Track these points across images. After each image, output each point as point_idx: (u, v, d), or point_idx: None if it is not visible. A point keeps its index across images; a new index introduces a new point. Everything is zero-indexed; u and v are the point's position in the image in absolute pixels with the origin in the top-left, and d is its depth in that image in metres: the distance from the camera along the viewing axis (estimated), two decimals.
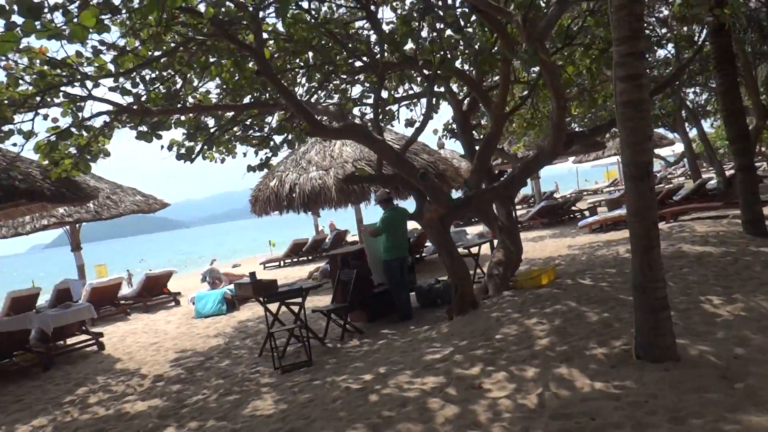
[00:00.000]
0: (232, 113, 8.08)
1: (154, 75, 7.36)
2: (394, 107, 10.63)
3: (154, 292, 13.45)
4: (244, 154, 9.36)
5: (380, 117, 10.24)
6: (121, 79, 6.77)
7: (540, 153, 7.38)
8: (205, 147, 8.03)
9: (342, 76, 8.27)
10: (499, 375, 4.94)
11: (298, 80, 8.59)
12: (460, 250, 9.90)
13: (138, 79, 7.14)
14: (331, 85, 9.15)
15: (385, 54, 6.40)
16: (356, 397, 4.89)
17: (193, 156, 7.73)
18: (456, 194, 13.82)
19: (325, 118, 8.30)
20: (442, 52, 6.78)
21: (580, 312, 6.43)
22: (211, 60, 7.23)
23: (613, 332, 5.55)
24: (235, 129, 8.56)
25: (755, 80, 17.09)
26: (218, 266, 14.72)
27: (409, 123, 10.73)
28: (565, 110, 6.78)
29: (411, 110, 10.65)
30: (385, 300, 8.77)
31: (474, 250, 9.91)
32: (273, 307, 7.36)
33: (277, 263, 21.20)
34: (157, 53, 6.70)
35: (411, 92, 10.14)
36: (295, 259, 20.94)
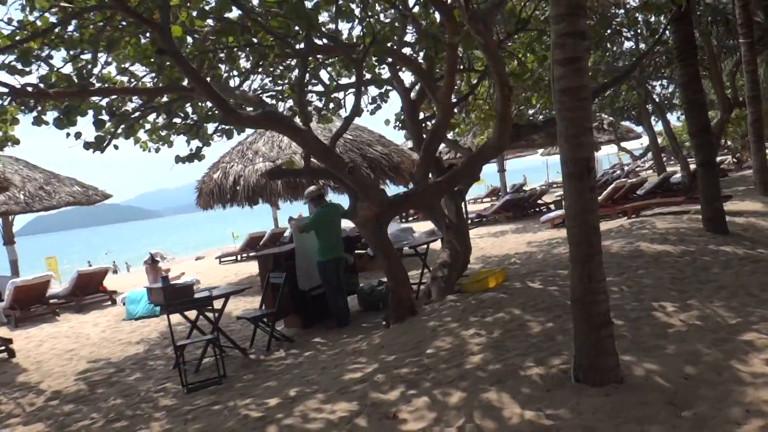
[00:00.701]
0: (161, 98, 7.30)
1: (56, 52, 6.55)
2: (341, 95, 9.94)
3: (89, 291, 12.57)
4: (188, 143, 8.58)
5: (327, 105, 9.54)
6: (10, 57, 5.96)
7: (485, 146, 6.77)
8: (120, 135, 7.25)
9: (275, 59, 7.52)
10: (420, 401, 4.30)
11: (228, 66, 7.81)
12: (406, 249, 9.29)
13: (36, 58, 6.32)
14: (268, 69, 8.41)
15: (304, 33, 5.67)
16: (252, 429, 4.20)
17: (104, 145, 6.94)
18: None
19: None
20: (374, 34, 6.08)
21: (523, 321, 5.83)
22: (121, 36, 6.43)
23: (554, 347, 4.96)
24: (157, 116, 7.77)
25: (719, 73, 16.76)
26: (171, 261, 13.87)
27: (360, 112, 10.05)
28: (509, 99, 6.15)
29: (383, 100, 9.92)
30: (323, 304, 8.08)
31: (423, 249, 9.28)
32: (193, 314, 6.65)
33: (234, 257, 20.36)
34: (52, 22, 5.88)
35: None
36: (252, 254, 20.12)
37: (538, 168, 42.56)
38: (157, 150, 8.67)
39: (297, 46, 6.38)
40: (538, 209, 20.51)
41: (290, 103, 9.97)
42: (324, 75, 9.04)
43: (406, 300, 6.85)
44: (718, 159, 25.40)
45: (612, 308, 6.12)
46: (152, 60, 6.35)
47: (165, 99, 7.43)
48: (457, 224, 8.31)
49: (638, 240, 9.51)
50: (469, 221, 19.50)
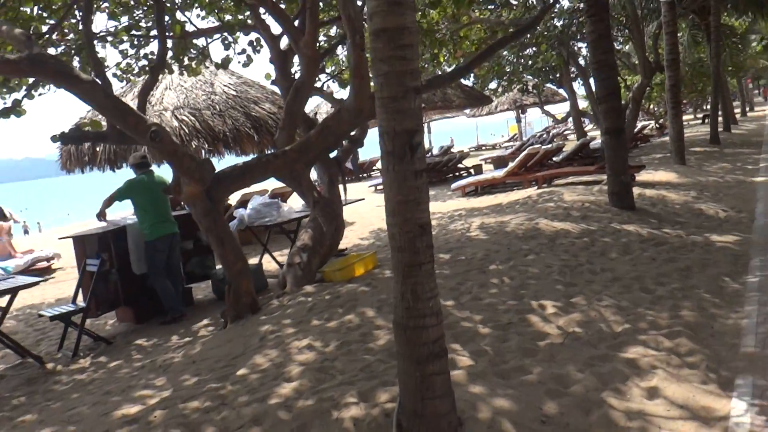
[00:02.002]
0: None
1: None
2: (201, 42, 8.47)
3: None
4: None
5: (181, 53, 8.07)
6: None
7: (342, 109, 5.52)
8: None
9: None
10: None
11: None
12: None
13: None
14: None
15: None
16: None
17: None
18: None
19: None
20: None
21: (371, 329, 4.71)
22: None
23: (390, 371, 3.83)
24: None
25: (642, 35, 15.97)
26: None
27: (224, 63, 8.59)
28: (363, 49, 4.89)
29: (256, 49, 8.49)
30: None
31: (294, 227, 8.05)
32: None
33: None
34: None
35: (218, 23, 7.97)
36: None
37: (467, 130, 41.77)
38: None
39: None
40: (457, 174, 19.53)
41: (152, 48, 8.44)
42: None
43: (245, 294, 5.61)
44: (641, 124, 25.11)
45: (484, 309, 5.12)
46: None
47: None
48: (329, 199, 7.09)
49: (539, 216, 8.58)
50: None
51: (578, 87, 21.16)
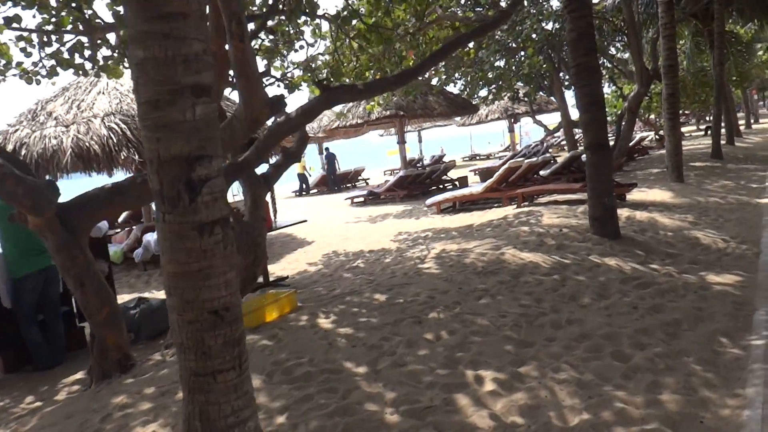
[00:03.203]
0: None
1: None
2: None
3: None
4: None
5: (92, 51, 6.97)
6: None
7: (233, 119, 4.34)
8: None
9: None
10: None
11: None
12: None
13: None
14: None
15: None
16: None
17: None
18: None
19: None
20: None
21: None
22: None
23: None
24: None
25: (639, 40, 14.81)
26: None
27: None
28: (243, 41, 3.71)
29: None
30: (48, 332, 5.59)
31: None
32: None
33: (119, 230, 17.40)
34: None
35: None
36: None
37: (462, 138, 40.56)
38: None
39: None
40: (441, 186, 18.34)
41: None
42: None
43: (113, 349, 4.43)
44: (639, 135, 23.90)
45: (403, 382, 3.71)
46: None
47: None
48: (247, 224, 5.91)
49: (508, 243, 7.39)
50: (362, 199, 17.21)
51: (571, 95, 20.02)
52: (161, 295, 6.54)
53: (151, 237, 6.56)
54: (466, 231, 9.30)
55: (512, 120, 28.72)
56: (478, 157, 35.87)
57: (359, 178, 25.26)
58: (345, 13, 6.26)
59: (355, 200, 17.45)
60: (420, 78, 14.30)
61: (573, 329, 4.57)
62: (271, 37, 8.11)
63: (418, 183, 17.53)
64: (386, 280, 6.32)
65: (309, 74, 8.32)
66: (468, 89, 18.42)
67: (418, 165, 31.65)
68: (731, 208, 9.41)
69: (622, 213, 8.94)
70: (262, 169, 6.80)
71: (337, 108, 18.94)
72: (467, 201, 12.56)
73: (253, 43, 8.10)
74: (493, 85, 17.91)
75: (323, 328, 4.82)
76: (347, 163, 28.17)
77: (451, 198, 12.34)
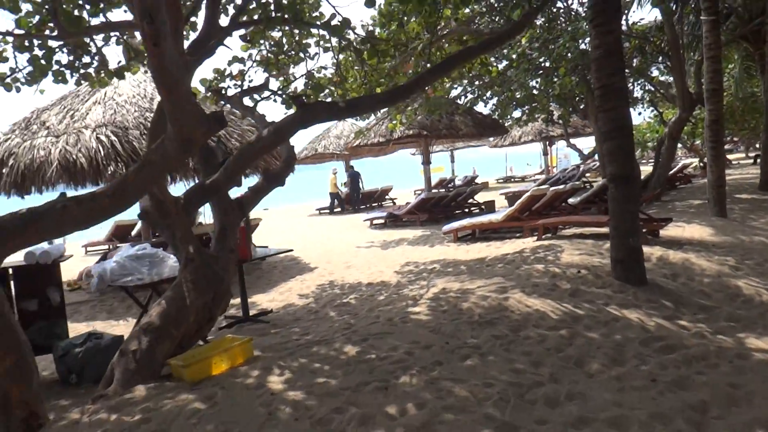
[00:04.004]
0: None
1: None
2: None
3: None
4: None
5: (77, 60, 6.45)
6: None
7: (165, 139, 3.61)
8: None
9: None
10: None
11: None
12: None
13: None
14: None
15: None
16: None
17: None
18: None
19: None
20: None
21: None
22: None
23: None
24: None
25: (682, 62, 13.75)
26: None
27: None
28: (157, 42, 3.01)
29: None
30: None
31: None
32: None
33: (107, 247, 17.12)
34: None
35: None
36: (119, 245, 16.88)
37: (497, 159, 39.51)
38: None
39: None
40: (467, 210, 17.46)
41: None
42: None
43: (18, 405, 3.74)
44: (683, 163, 22.55)
45: None
46: None
47: None
48: (211, 256, 5.21)
49: (517, 284, 6.51)
50: (382, 221, 16.47)
51: None
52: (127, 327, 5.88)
53: (106, 265, 5.90)
54: (476, 266, 8.44)
55: (547, 143, 27.61)
56: (513, 180, 34.77)
57: (386, 197, 24.52)
58: (336, 22, 5.56)
59: (375, 222, 16.70)
60: (445, 97, 13.55)
61: (572, 408, 3.69)
62: (268, 46, 7.48)
63: (441, 206, 16.68)
64: (367, 325, 5.51)
65: (310, 89, 7.65)
66: (499, 110, 17.55)
67: (449, 186, 30.84)
68: None
69: (654, 252, 7.98)
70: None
71: (359, 125, 18.33)
72: (487, 229, 11.68)
73: (250, 52, 7.50)
74: (526, 106, 17.02)
75: (272, 389, 4.04)
76: (377, 182, 27.51)
77: (469, 225, 11.47)
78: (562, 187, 11.67)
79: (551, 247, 8.79)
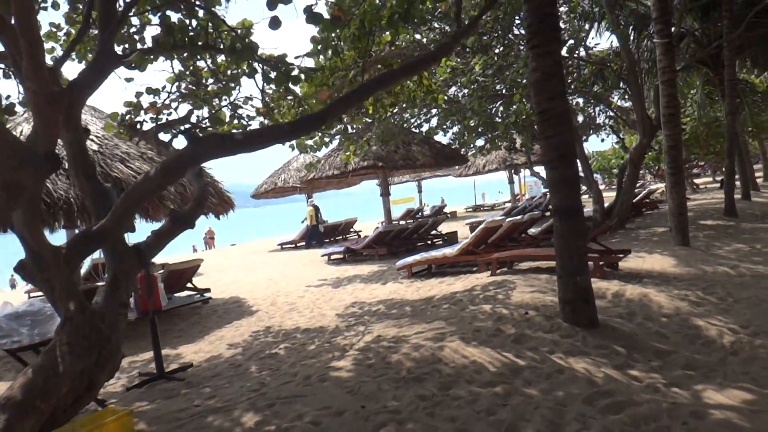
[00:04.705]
0: None
1: None
2: None
3: None
4: None
5: None
6: None
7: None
8: None
9: None
10: None
11: None
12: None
13: None
14: None
15: None
16: None
17: None
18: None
19: None
20: None
21: None
22: None
23: None
24: None
25: (640, 87, 13.49)
26: None
27: None
28: (34, 56, 2.39)
29: None
30: None
31: None
32: None
33: None
34: None
35: None
36: None
37: (466, 187, 39.24)
38: None
39: None
40: (430, 242, 16.87)
41: None
42: None
43: None
44: (648, 189, 22.28)
45: None
46: None
47: None
48: (96, 312, 4.51)
49: (458, 329, 5.90)
50: (341, 257, 15.80)
51: None
52: None
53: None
54: (421, 306, 7.81)
55: (512, 170, 27.32)
56: (482, 208, 34.42)
57: (351, 230, 23.85)
58: (239, 45, 4.99)
59: (333, 257, 16.03)
60: (397, 126, 13.06)
61: None
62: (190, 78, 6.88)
63: (402, 239, 16.08)
64: (280, 386, 4.82)
65: (210, 122, 6.95)
66: (459, 139, 17.15)
67: (418, 216, 30.32)
68: (743, 282, 7.83)
69: (610, 288, 7.44)
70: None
71: (318, 156, 17.74)
72: (443, 264, 11.09)
73: (176, 85, 6.89)
74: (488, 135, 16.63)
75: None
76: (343, 214, 26.88)
77: (423, 261, 10.86)
78: (519, 217, 11.15)
79: (503, 283, 8.22)
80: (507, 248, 10.70)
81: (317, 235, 20.55)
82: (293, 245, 21.76)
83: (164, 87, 6.53)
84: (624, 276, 8.38)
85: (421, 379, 4.64)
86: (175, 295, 10.70)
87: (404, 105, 11.41)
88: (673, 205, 10.42)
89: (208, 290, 11.16)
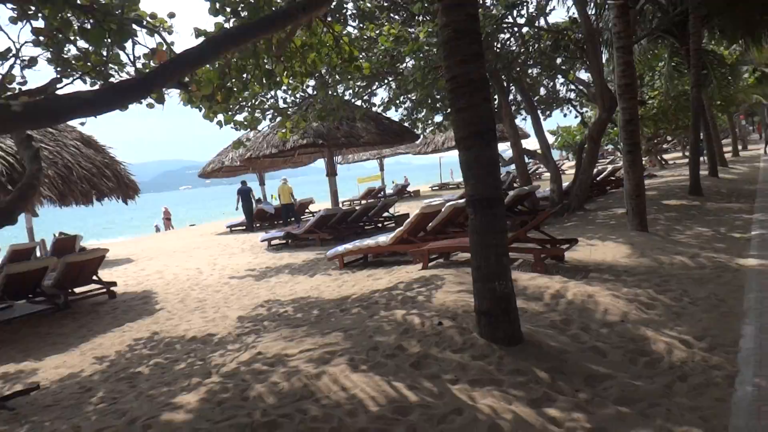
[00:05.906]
0: None
1: None
2: None
3: None
4: None
5: None
6: None
7: None
8: None
9: None
10: None
11: None
12: None
13: None
14: None
15: None
16: None
17: None
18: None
19: None
20: None
21: None
22: None
23: None
24: None
25: (599, 57, 12.42)
26: None
27: None
28: None
29: None
30: None
31: None
32: None
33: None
34: None
35: None
36: None
37: (431, 166, 38.12)
38: None
39: None
40: (381, 225, 15.76)
41: None
42: None
43: None
44: (612, 167, 21.36)
45: None
46: None
47: None
48: None
49: (352, 346, 4.81)
50: (282, 241, 14.61)
51: (520, 121, 17.77)
52: None
53: None
54: (331, 309, 6.71)
55: None
56: (448, 186, 33.37)
57: (306, 211, 22.58)
58: None
59: (273, 242, 14.83)
60: (336, 99, 11.84)
61: None
62: None
63: (349, 222, 14.93)
64: (102, 428, 3.68)
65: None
66: (411, 115, 15.98)
67: (380, 195, 29.16)
68: (702, 277, 6.87)
69: (550, 286, 6.41)
70: None
71: (236, 135, 16.35)
72: (379, 253, 10.00)
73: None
74: (446, 111, 15.46)
75: None
76: (301, 194, 25.55)
77: (355, 250, 9.74)
78: (461, 201, 10.07)
79: (431, 279, 7.15)
80: (448, 236, 9.63)
81: (293, 212, 19.23)
82: (243, 228, 20.48)
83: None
84: (569, 270, 7.37)
85: (277, 426, 3.53)
86: (77, 290, 9.47)
87: (326, 76, 10.21)
88: (630, 187, 9.41)
89: (114, 284, 9.94)
